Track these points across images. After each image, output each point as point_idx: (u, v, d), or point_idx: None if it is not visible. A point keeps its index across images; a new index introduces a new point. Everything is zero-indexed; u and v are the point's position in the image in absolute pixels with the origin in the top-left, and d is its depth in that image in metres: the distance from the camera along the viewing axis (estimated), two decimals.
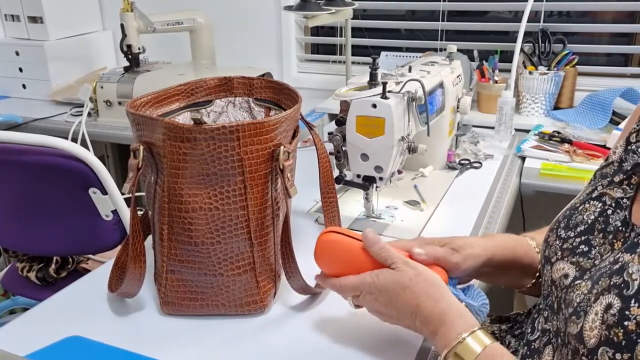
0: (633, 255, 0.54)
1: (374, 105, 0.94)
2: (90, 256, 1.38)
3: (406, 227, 1.04)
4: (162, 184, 0.72)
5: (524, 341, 0.67)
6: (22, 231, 1.24)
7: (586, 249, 0.62)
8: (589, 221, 0.63)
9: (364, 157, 0.99)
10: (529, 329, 0.68)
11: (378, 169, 0.99)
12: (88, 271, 1.07)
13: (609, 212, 0.62)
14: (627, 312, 0.49)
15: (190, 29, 1.88)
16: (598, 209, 0.63)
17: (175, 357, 0.70)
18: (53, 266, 1.30)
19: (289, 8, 1.60)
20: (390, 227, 1.04)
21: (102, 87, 1.75)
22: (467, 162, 1.33)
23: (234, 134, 0.68)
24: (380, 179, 1.00)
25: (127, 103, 0.76)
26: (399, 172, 1.06)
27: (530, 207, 1.39)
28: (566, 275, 0.62)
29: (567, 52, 1.67)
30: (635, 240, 0.57)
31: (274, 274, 0.79)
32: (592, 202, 0.65)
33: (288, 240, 0.77)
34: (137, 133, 0.74)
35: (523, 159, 1.37)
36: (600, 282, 0.55)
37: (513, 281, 0.80)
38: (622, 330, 0.49)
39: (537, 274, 0.79)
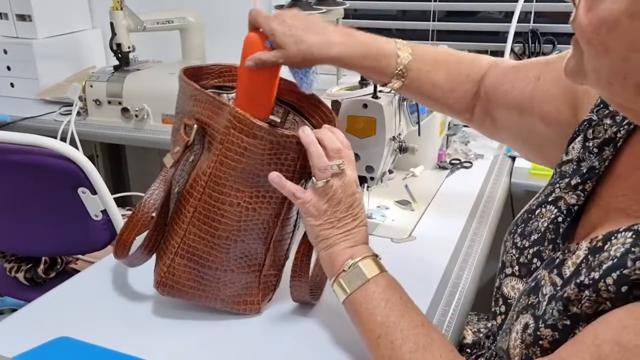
0: (545, 273, 0.55)
1: (365, 105, 0.94)
2: (80, 256, 1.37)
3: (397, 226, 1.04)
4: (204, 168, 0.70)
5: (489, 343, 0.68)
6: (10, 231, 1.23)
7: (539, 263, 0.61)
8: (542, 229, 0.62)
9: (355, 156, 0.98)
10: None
11: (369, 168, 0.99)
12: (77, 271, 1.07)
13: (560, 219, 0.61)
14: (538, 333, 0.51)
15: (180, 28, 1.88)
16: (553, 215, 0.62)
17: (165, 358, 0.70)
18: (42, 266, 1.29)
19: (280, 7, 1.59)
20: (381, 227, 1.04)
21: (91, 86, 1.74)
22: (457, 161, 1.33)
23: (300, 146, 0.68)
24: (372, 178, 1.00)
25: (182, 71, 0.75)
26: (390, 171, 1.06)
27: (520, 206, 1.39)
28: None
29: (556, 52, 1.68)
30: (553, 256, 0.57)
31: (276, 280, 0.79)
32: (548, 206, 0.63)
33: (309, 252, 0.75)
34: (193, 109, 0.72)
35: (513, 158, 1.37)
36: (521, 300, 0.56)
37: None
38: (539, 349, 0.50)
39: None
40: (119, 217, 1.14)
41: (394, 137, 0.99)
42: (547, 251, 0.60)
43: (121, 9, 1.67)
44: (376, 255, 0.69)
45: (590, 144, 0.62)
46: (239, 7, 2.06)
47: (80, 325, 0.75)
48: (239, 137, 0.67)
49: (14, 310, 1.26)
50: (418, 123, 1.07)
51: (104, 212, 1.12)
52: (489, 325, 0.83)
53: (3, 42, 2.00)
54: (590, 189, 0.60)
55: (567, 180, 0.63)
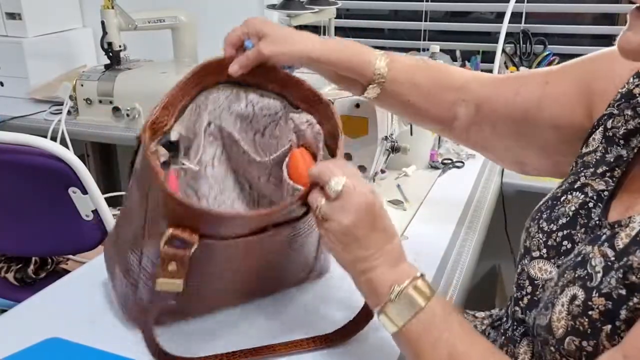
0: (594, 247, 0.56)
1: (357, 105, 0.95)
2: (70, 257, 1.37)
3: None
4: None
5: (501, 330, 0.68)
6: (0, 231, 1.22)
7: (569, 246, 0.62)
8: (571, 213, 0.63)
9: (348, 156, 0.99)
10: (505, 318, 0.69)
11: (361, 168, 0.99)
12: (68, 272, 1.06)
13: (590, 205, 0.62)
14: (590, 303, 0.51)
15: (172, 27, 1.87)
16: (580, 201, 0.63)
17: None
18: (32, 267, 1.28)
19: (272, 7, 1.59)
20: None
21: (82, 85, 1.73)
22: (449, 161, 1.34)
23: None
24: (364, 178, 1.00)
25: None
26: (382, 171, 1.07)
27: (511, 206, 1.41)
28: (552, 279, 0.62)
29: (547, 52, 1.70)
30: (599, 233, 0.58)
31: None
32: (574, 193, 0.65)
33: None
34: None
35: None
36: (565, 275, 0.57)
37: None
38: (587, 320, 0.51)
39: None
40: (109, 217, 1.14)
41: (386, 136, 0.99)
42: (579, 234, 0.61)
43: (112, 7, 1.67)
44: (422, 275, 0.61)
45: (610, 133, 0.64)
46: (230, 6, 2.05)
47: (71, 326, 0.75)
48: None
49: (3, 310, 1.25)
50: (410, 123, 1.08)
51: (95, 212, 1.12)
52: (486, 321, 0.83)
53: None
54: (619, 175, 0.62)
55: (592, 169, 0.64)
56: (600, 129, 0.66)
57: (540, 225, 0.66)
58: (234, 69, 0.73)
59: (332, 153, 0.72)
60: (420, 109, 0.82)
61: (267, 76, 0.76)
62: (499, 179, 1.28)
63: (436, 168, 1.30)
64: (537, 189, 1.25)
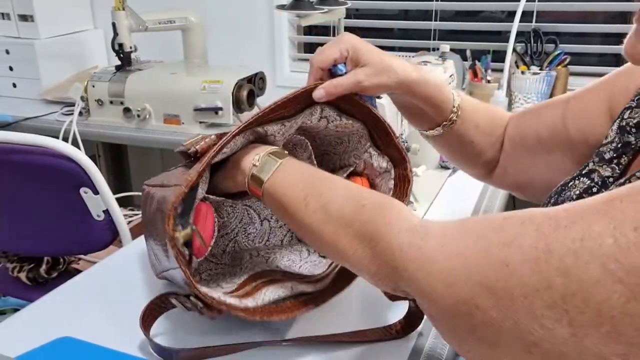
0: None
1: None
2: (82, 256, 1.38)
3: None
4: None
5: None
6: (12, 231, 1.23)
7: None
8: (574, 197, 0.63)
9: None
10: None
11: None
12: (79, 271, 1.07)
13: (594, 190, 0.62)
14: None
15: (182, 28, 1.88)
16: (585, 186, 0.63)
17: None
18: (44, 266, 1.30)
19: (281, 7, 1.59)
20: None
21: (93, 86, 1.74)
22: None
23: None
24: None
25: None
26: None
27: (522, 206, 1.39)
28: None
29: (559, 52, 1.68)
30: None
31: None
32: (581, 178, 0.65)
33: None
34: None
35: None
36: None
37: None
38: None
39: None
40: (120, 217, 1.14)
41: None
42: None
43: (123, 9, 1.68)
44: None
45: (624, 123, 0.64)
46: (240, 7, 2.06)
47: (83, 325, 0.75)
48: None
49: (16, 310, 1.26)
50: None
51: (106, 212, 1.12)
52: None
53: (5, 42, 2.01)
54: (625, 162, 0.61)
55: (601, 156, 0.65)
56: (617, 120, 0.66)
57: None
58: (320, 94, 0.67)
59: None
60: (479, 150, 0.81)
61: (349, 101, 0.71)
62: None
63: (446, 168, 1.30)
64: None
